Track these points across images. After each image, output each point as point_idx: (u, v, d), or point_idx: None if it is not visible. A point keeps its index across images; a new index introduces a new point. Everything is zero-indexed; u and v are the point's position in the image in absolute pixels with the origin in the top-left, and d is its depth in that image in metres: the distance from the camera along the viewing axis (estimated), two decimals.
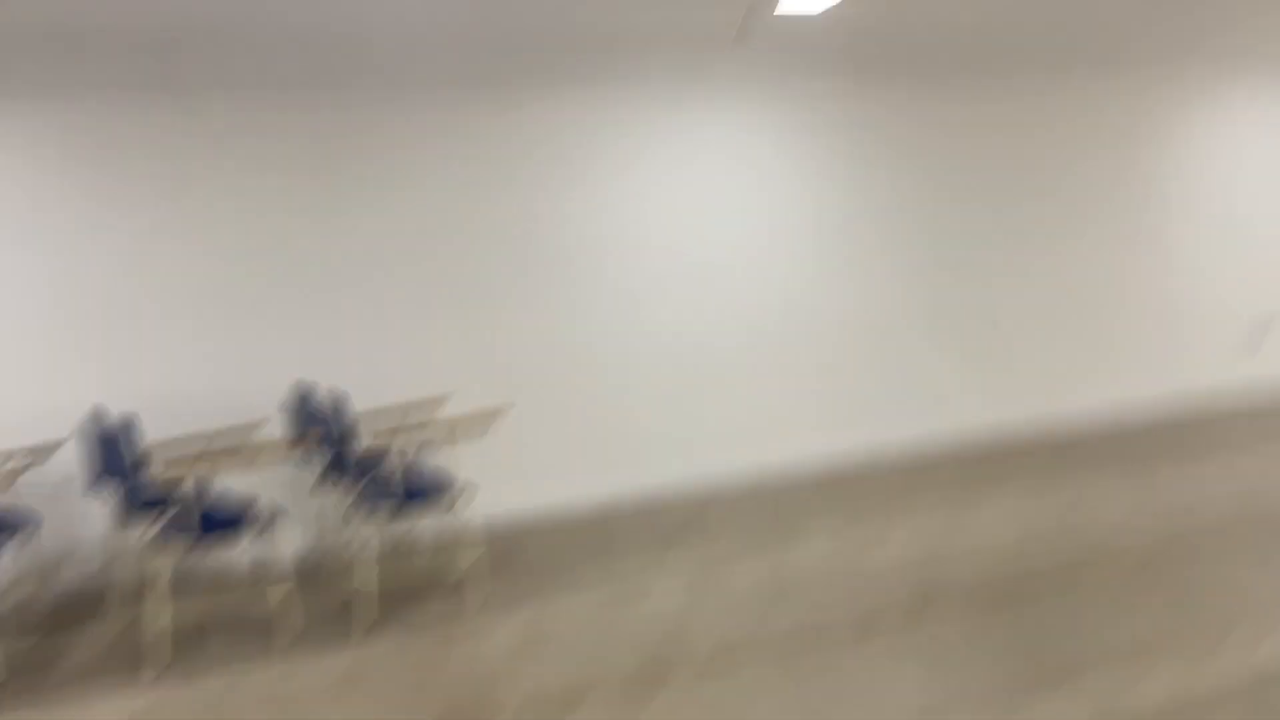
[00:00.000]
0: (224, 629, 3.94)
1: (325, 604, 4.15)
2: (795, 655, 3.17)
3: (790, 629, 3.40)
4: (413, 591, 4.18)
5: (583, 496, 5.71)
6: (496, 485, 5.30)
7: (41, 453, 4.55)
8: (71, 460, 4.71)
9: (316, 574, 4.66)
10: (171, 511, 3.75)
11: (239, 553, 4.85)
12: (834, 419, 6.41)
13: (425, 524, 4.88)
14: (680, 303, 5.99)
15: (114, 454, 3.85)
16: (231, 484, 4.69)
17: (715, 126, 6.00)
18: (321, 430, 4.39)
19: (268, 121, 5.15)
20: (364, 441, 4.40)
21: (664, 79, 5.78)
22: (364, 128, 5.36)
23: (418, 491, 3.94)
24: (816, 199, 6.29)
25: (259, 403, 5.04)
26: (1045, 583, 3.68)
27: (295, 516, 5.12)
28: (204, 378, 5.01)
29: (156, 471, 3.90)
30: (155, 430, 4.63)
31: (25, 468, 3.76)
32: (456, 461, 3.89)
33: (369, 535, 3.82)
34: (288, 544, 4.78)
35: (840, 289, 6.39)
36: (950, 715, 2.67)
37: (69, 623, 4.28)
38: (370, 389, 5.11)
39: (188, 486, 3.61)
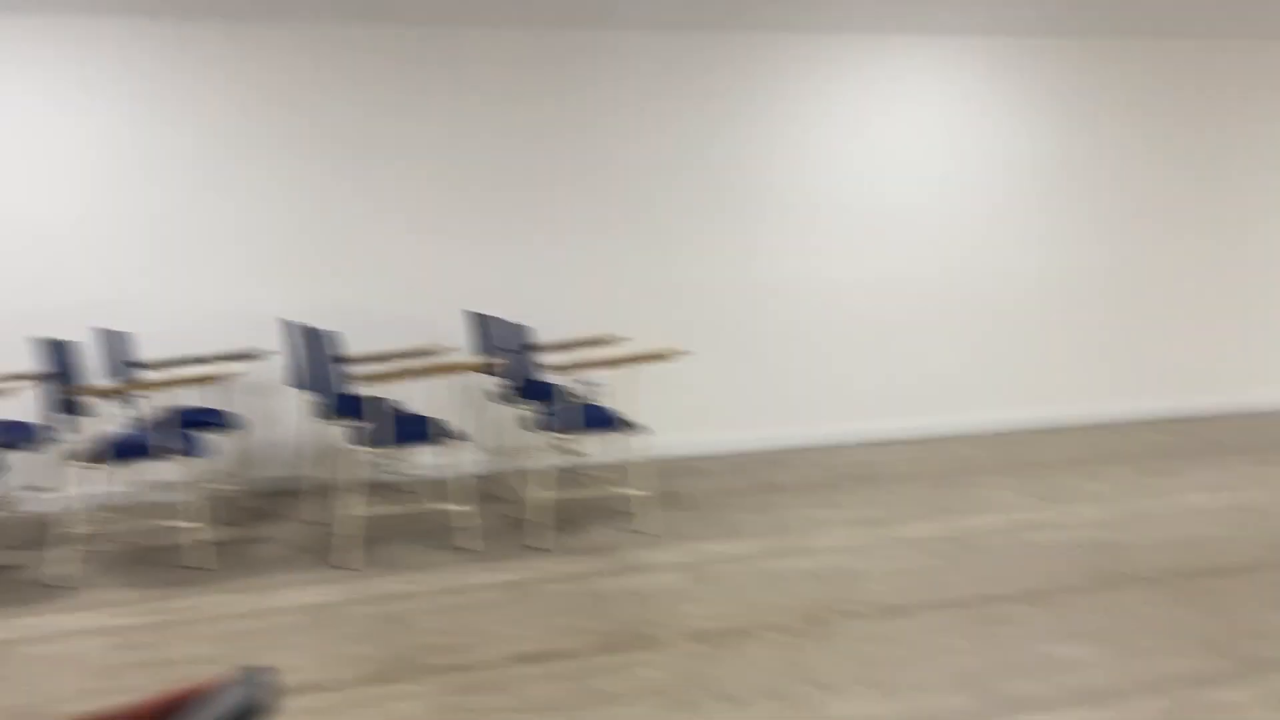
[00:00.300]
0: (407, 533, 4.15)
1: (500, 519, 4.31)
2: (963, 619, 3.08)
3: (959, 593, 3.30)
4: (583, 517, 4.28)
5: (752, 441, 5.69)
6: (669, 423, 5.34)
7: (250, 358, 4.87)
8: (277, 366, 5.03)
9: (493, 490, 4.84)
10: (366, 418, 3.95)
11: (424, 463, 5.09)
12: (1015, 385, 6.14)
13: (598, 453, 4.98)
14: (863, 255, 5.84)
15: (316, 362, 4.09)
16: (420, 399, 4.91)
17: (913, 77, 5.78)
18: (505, 355, 4.53)
19: (476, 50, 5.28)
20: (544, 371, 4.51)
21: (866, 26, 5.58)
22: (570, 58, 5.42)
23: (594, 421, 4.01)
24: (1010, 155, 5.98)
25: (448, 327, 5.24)
26: (1232, 569, 3.43)
27: (477, 435, 5.33)
28: (400, 300, 5.24)
29: (353, 381, 4.12)
30: (353, 344, 4.87)
31: (235, 371, 4.04)
32: (632, 397, 3.94)
33: (545, 459, 3.93)
34: (468, 460, 4.97)
35: (1030, 251, 6.08)
36: (1128, 698, 2.54)
37: (269, 515, 4.61)
38: (553, 322, 5.22)
39: (382, 397, 3.79)
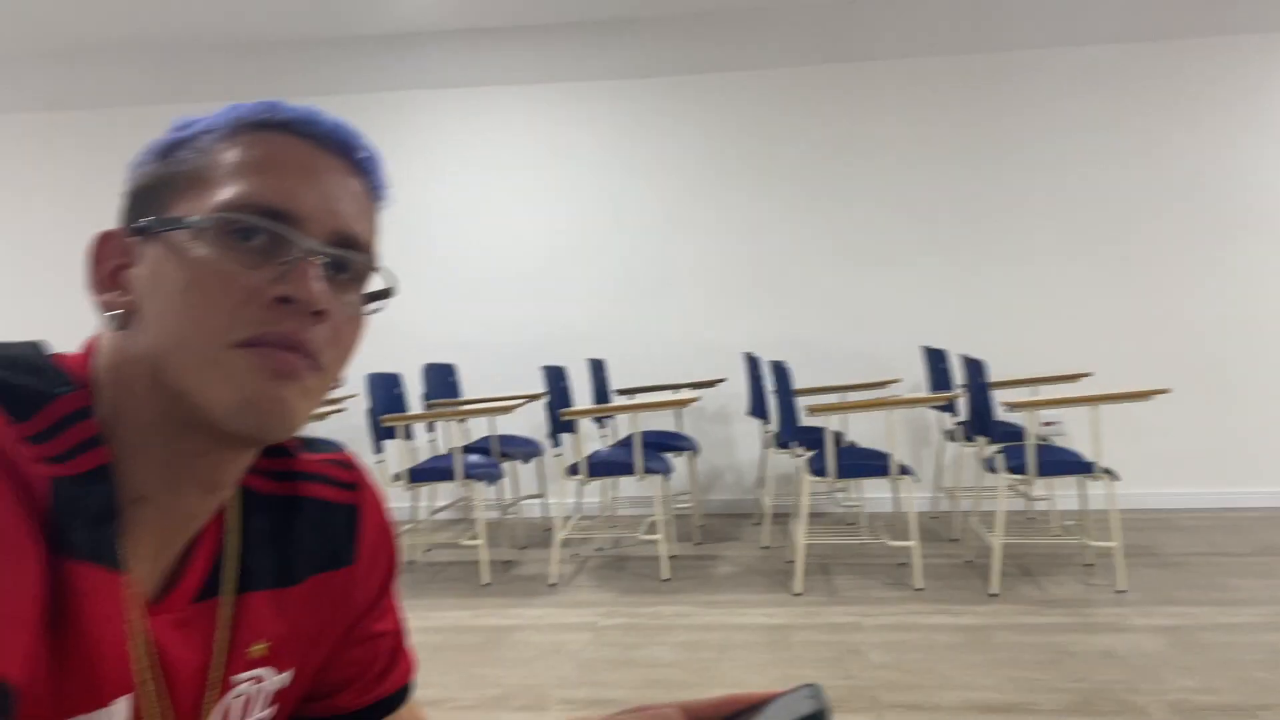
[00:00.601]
0: (855, 565, 4.16)
1: (950, 560, 4.18)
2: None
3: None
4: (1041, 565, 4.02)
5: (1242, 497, 4.98)
6: (1139, 471, 4.85)
7: (710, 386, 5.19)
8: (729, 395, 5.32)
9: (942, 530, 4.71)
10: (817, 449, 4.04)
11: (873, 497, 5.09)
12: None
13: (1057, 499, 4.65)
14: None
15: (773, 393, 4.26)
16: (871, 433, 4.92)
17: None
18: (956, 392, 4.40)
19: (922, 79, 5.25)
20: (1002, 409, 4.31)
21: None
22: (1025, 77, 5.19)
23: (1056, 463, 3.75)
24: None
25: (899, 361, 5.20)
26: None
27: (927, 472, 5.22)
28: (852, 333, 5.31)
29: (807, 412, 4.23)
30: (807, 377, 5.01)
31: (693, 399, 4.33)
32: (1098, 440, 3.63)
33: (999, 501, 3.74)
34: (918, 496, 4.89)
35: None
36: None
37: (725, 536, 4.87)
38: (1012, 357, 4.99)
39: (834, 429, 3.86)
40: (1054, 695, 2.74)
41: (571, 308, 5.50)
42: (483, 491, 4.42)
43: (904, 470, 3.81)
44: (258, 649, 0.73)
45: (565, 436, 4.53)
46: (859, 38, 5.26)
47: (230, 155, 0.64)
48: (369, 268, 0.68)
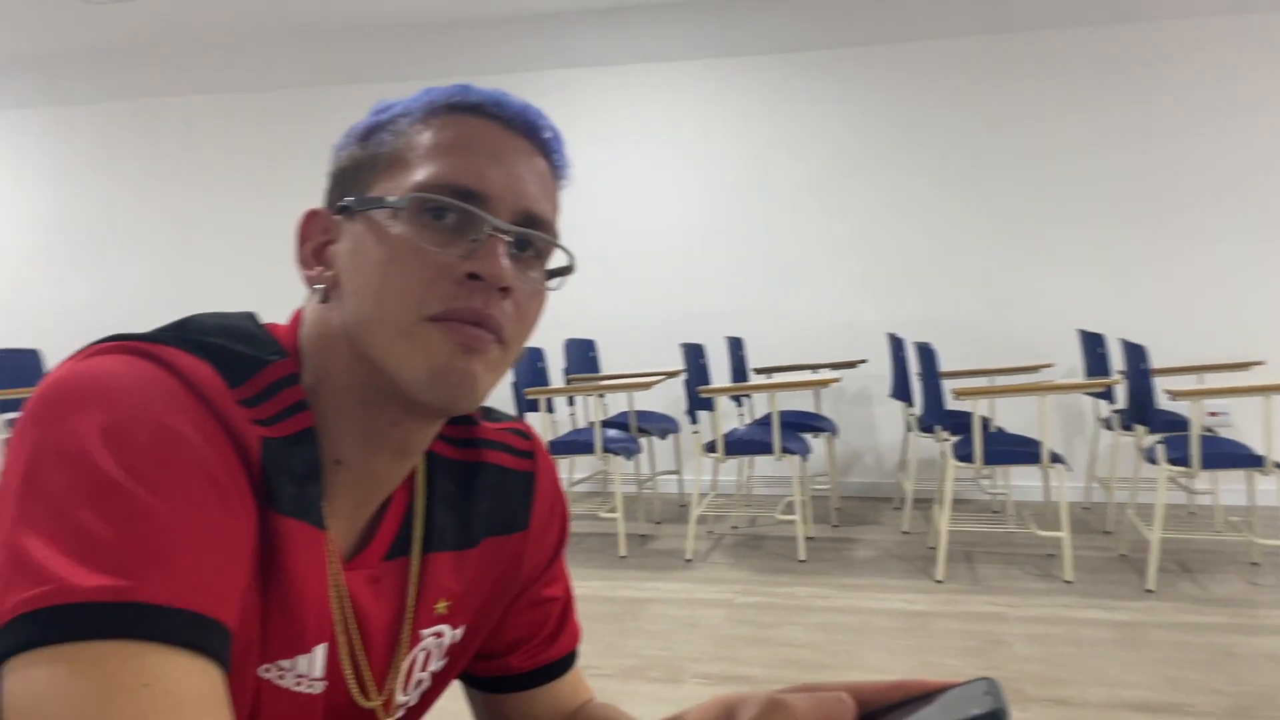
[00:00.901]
0: (999, 553, 4.04)
1: (1102, 552, 4.01)
2: None
3: None
4: (1201, 562, 3.81)
5: None
6: None
7: (851, 367, 5.11)
8: (870, 376, 5.23)
9: (1094, 521, 4.52)
10: (962, 434, 3.93)
11: (1020, 484, 4.93)
12: None
13: (1220, 492, 4.40)
14: None
15: (917, 375, 4.16)
16: (1020, 419, 4.76)
17: None
18: (1115, 378, 4.20)
19: (1077, 51, 5.00)
20: (1160, 397, 4.10)
21: None
22: (1180, 54, 4.89)
23: (1223, 456, 3.54)
24: None
25: (1051, 345, 5.00)
26: None
27: (1079, 460, 5.02)
28: (1002, 315, 5.14)
29: (948, 396, 4.12)
30: (953, 359, 4.87)
31: (833, 380, 4.27)
32: (1269, 434, 3.41)
33: (1156, 493, 3.56)
34: (1068, 485, 4.70)
35: None
36: None
37: (863, 519, 4.81)
38: (1171, 343, 4.73)
39: (980, 414, 3.75)
40: (1211, 697, 2.61)
41: (712, 285, 5.49)
42: (620, 465, 4.49)
43: (1055, 458, 3.67)
44: (440, 606, 0.77)
45: (703, 414, 4.55)
46: (1013, 7, 5.05)
47: (425, 137, 0.67)
48: (551, 245, 0.71)
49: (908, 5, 5.17)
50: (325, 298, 0.69)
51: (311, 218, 0.71)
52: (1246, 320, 4.82)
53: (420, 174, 0.66)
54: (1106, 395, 4.48)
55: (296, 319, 0.73)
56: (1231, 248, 4.85)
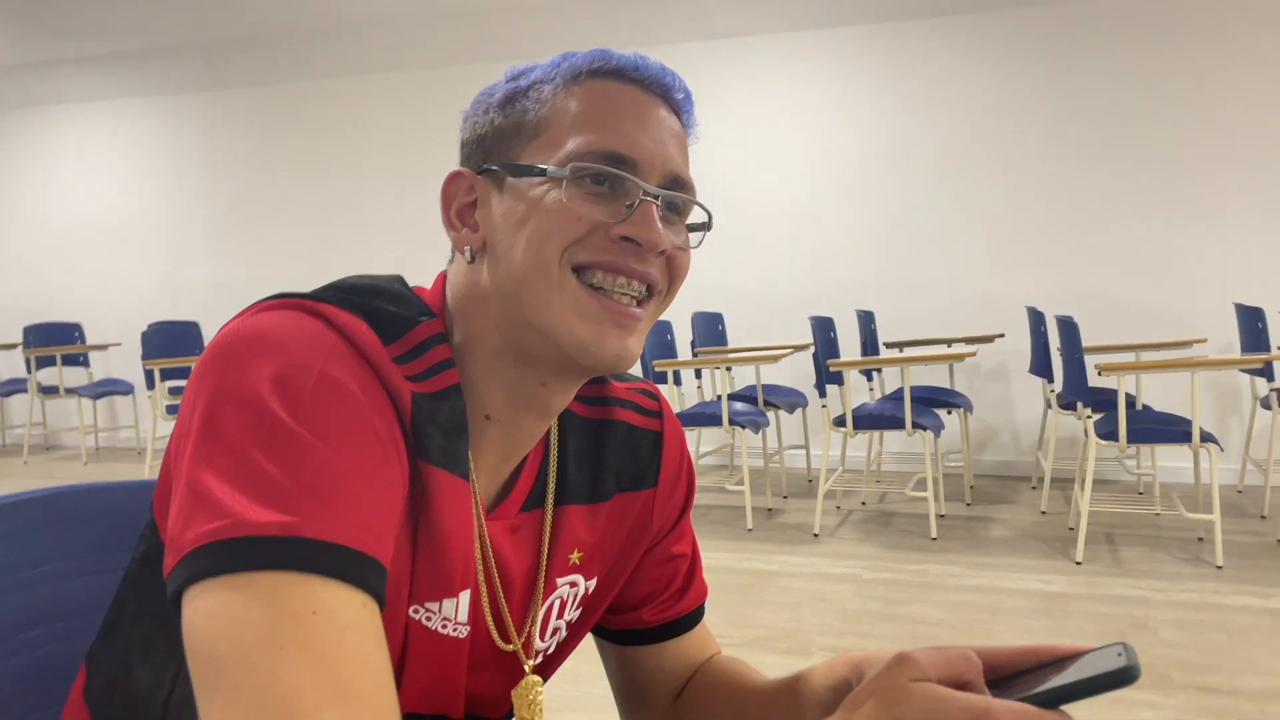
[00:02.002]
0: (1144, 536, 3.88)
1: (1258, 538, 3.80)
2: None
3: None
4: None
5: None
6: None
7: (987, 341, 4.96)
8: (1006, 351, 5.06)
9: (1250, 505, 4.29)
10: (1107, 411, 3.78)
11: (1170, 465, 4.71)
12: None
13: None
14: None
15: (1060, 350, 4.01)
16: (1172, 397, 4.54)
17: None
18: (1276, 353, 3.96)
19: (1234, 12, 4.69)
20: None
21: None
22: None
23: None
24: None
25: (1206, 319, 4.74)
26: None
27: (1236, 441, 4.76)
28: (1150, 288, 4.90)
29: (1092, 372, 3.96)
30: (1099, 334, 4.67)
31: (968, 354, 4.16)
32: None
33: None
34: (1222, 468, 4.47)
35: None
36: None
37: (998, 498, 4.68)
38: None
39: (1127, 391, 3.59)
40: None
41: (843, 258, 5.41)
42: (747, 439, 4.49)
43: (1207, 438, 3.49)
44: (574, 556, 0.80)
45: (832, 389, 4.50)
46: None
47: (573, 104, 0.70)
48: (693, 204, 0.74)
49: None
50: (472, 258, 0.72)
51: (455, 179, 0.74)
52: None
53: (574, 142, 0.69)
54: (1266, 372, 4.22)
55: (440, 281, 0.76)
56: None
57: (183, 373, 5.38)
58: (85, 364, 6.70)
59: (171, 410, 5.29)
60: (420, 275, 0.73)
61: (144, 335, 5.58)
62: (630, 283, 0.69)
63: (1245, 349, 4.32)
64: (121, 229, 6.99)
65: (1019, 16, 5.03)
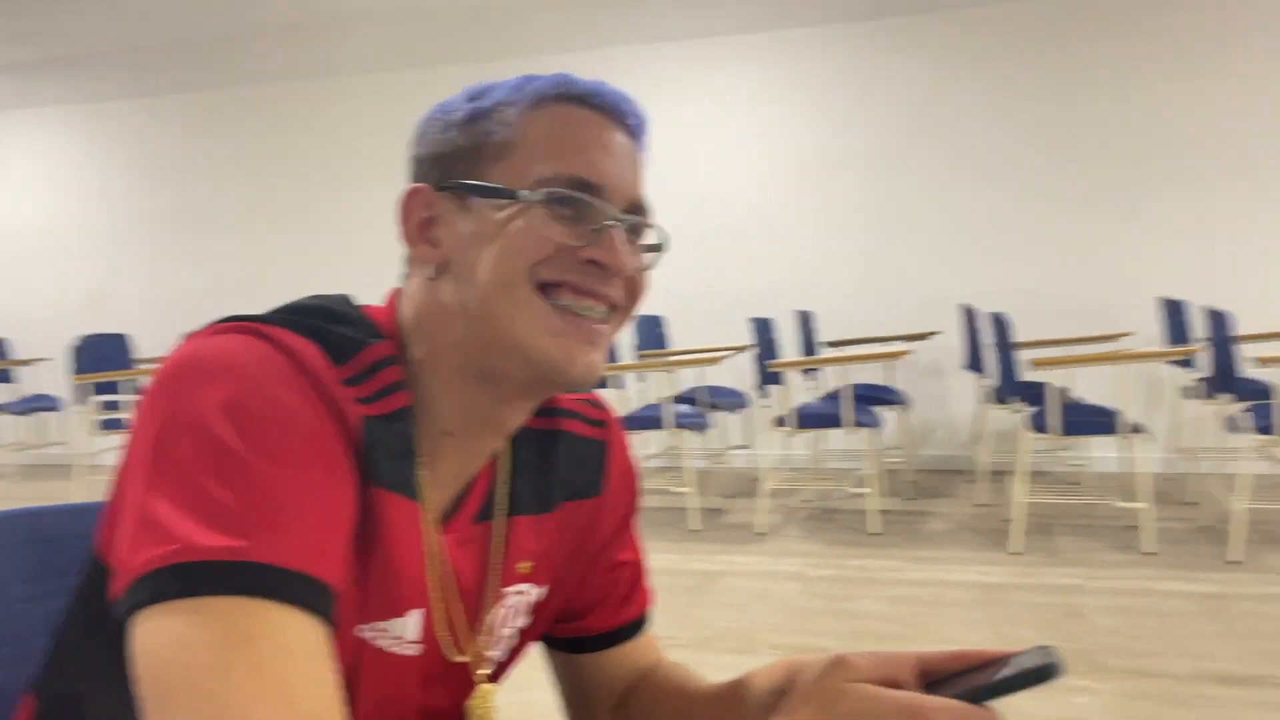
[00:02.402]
0: (1077, 525, 3.99)
1: (1185, 524, 3.93)
2: None
3: None
4: None
5: None
6: None
7: (923, 338, 5.06)
8: (943, 348, 5.16)
9: (1176, 492, 4.43)
10: (1038, 405, 3.88)
11: (1099, 455, 4.84)
12: None
13: None
14: None
15: (990, 346, 4.11)
16: (1099, 389, 4.67)
17: None
18: (1197, 346, 4.09)
19: (1147, 17, 4.85)
20: (1249, 364, 3.99)
21: None
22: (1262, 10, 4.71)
23: None
24: None
25: (1131, 313, 4.89)
26: None
27: (1161, 430, 4.90)
28: (1079, 284, 5.04)
29: (1023, 366, 4.06)
30: (1029, 329, 4.79)
31: (903, 352, 4.24)
32: None
33: (1243, 461, 3.48)
34: (1149, 457, 4.61)
35: None
36: None
37: (937, 492, 4.77)
38: (1259, 310, 4.58)
39: (1057, 385, 3.69)
40: None
41: (783, 259, 5.48)
42: (691, 440, 4.51)
43: (1135, 428, 3.60)
44: (523, 566, 0.82)
45: (773, 388, 4.55)
46: None
47: (539, 129, 0.72)
48: (652, 228, 0.78)
49: None
50: (434, 275, 0.73)
51: (415, 194, 0.75)
52: None
53: (542, 166, 0.71)
54: (1189, 364, 4.37)
55: (394, 299, 0.77)
56: None
57: (113, 387, 5.25)
58: (10, 380, 6.51)
59: (106, 425, 5.16)
60: (357, 283, 0.74)
61: (74, 349, 5.44)
62: (596, 304, 0.71)
63: (1169, 342, 4.47)
64: (47, 240, 6.80)
65: (953, 19, 5.14)
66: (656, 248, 0.79)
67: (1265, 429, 3.41)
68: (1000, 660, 0.59)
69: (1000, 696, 0.55)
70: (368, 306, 0.76)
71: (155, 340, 5.97)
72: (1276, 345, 4.20)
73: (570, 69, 0.75)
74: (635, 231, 0.76)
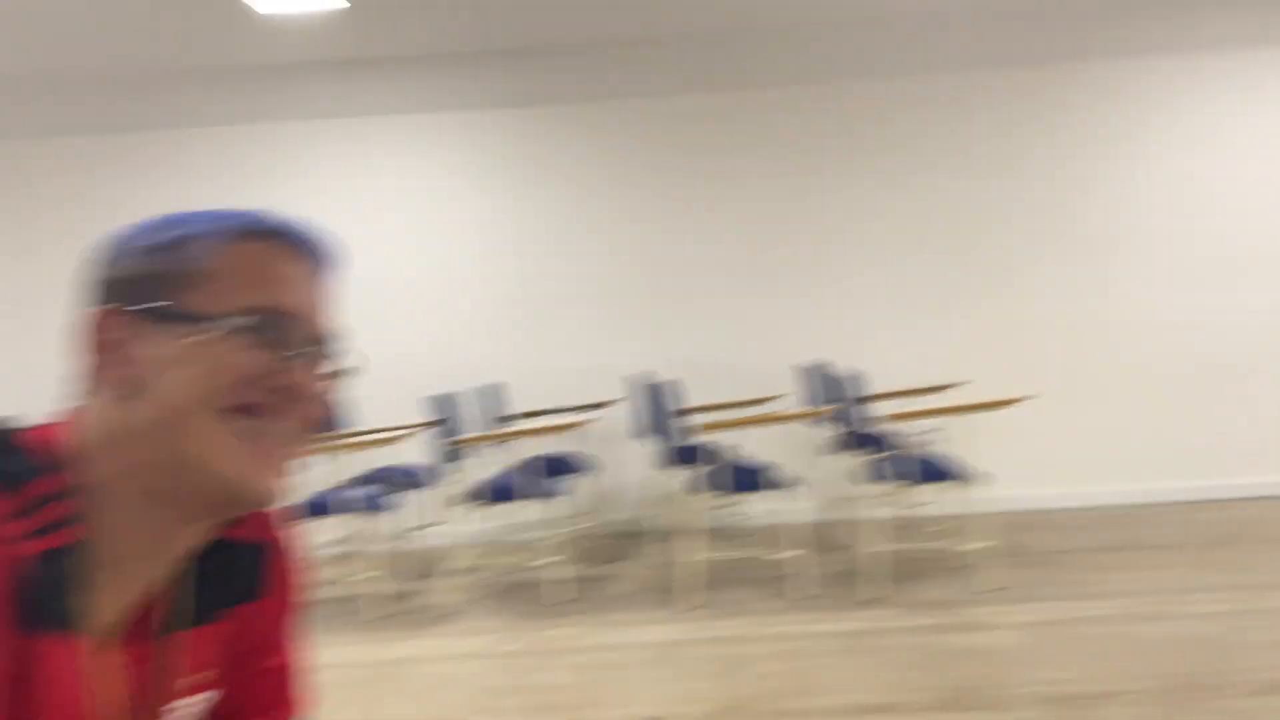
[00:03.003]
0: (744, 578, 4.27)
1: (835, 569, 4.32)
2: None
3: None
4: (918, 569, 4.19)
5: (1105, 495, 5.28)
6: (1011, 475, 5.08)
7: (601, 407, 5.26)
8: (621, 416, 5.40)
9: (828, 540, 4.86)
10: (703, 466, 4.15)
11: (760, 510, 5.22)
12: None
13: (934, 504, 4.85)
14: (1221, 299, 5.28)
15: (657, 412, 4.35)
16: (755, 448, 5.06)
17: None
18: (838, 403, 4.57)
19: (791, 109, 5.45)
20: (878, 420, 4.50)
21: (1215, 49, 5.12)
22: (884, 110, 5.44)
23: (932, 471, 3.94)
24: None
25: (781, 376, 5.36)
26: None
27: (811, 483, 5.38)
28: (737, 352, 5.46)
29: (692, 429, 4.34)
30: (694, 395, 5.12)
31: (575, 424, 4.41)
32: (972, 448, 3.83)
33: (880, 509, 3.91)
34: (801, 507, 5.03)
35: None
36: None
37: (620, 555, 4.94)
38: (886, 371, 5.18)
39: (719, 446, 3.97)
40: (925, 694, 2.89)
41: (470, 331, 5.52)
42: (372, 523, 4.40)
43: (788, 483, 3.94)
44: (188, 680, 0.82)
45: (465, 463, 4.54)
46: (733, 68, 5.44)
47: (232, 260, 0.75)
48: (343, 352, 0.81)
49: (642, 64, 5.44)
50: (125, 398, 0.72)
51: (107, 316, 0.74)
52: (957, 347, 5.37)
53: (235, 296, 0.74)
54: (832, 421, 4.85)
55: (70, 422, 0.75)
56: (936, 284, 5.41)
57: None
58: None
59: None
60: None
61: None
62: (281, 426, 0.75)
63: (817, 402, 4.94)
64: None
65: (624, 108, 5.49)
66: (348, 370, 0.83)
67: (896, 477, 3.86)
68: None
69: None
70: (37, 429, 0.74)
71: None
72: (904, 401, 4.77)
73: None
74: (324, 356, 0.79)
